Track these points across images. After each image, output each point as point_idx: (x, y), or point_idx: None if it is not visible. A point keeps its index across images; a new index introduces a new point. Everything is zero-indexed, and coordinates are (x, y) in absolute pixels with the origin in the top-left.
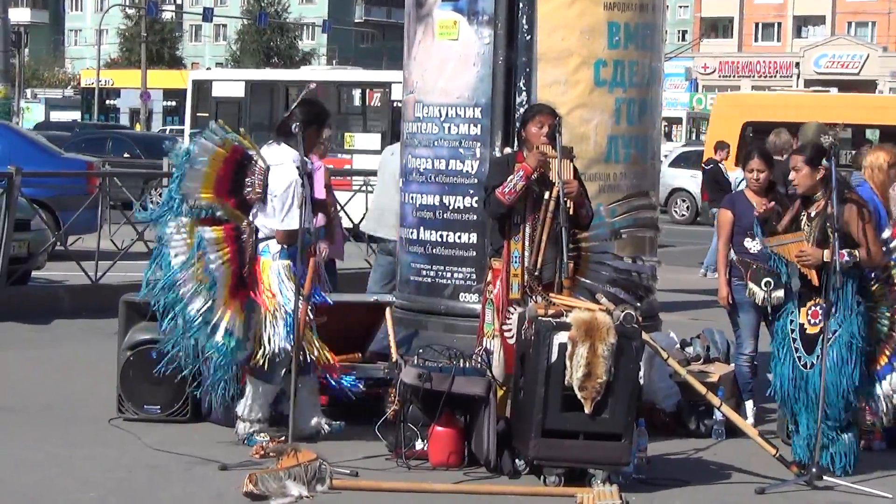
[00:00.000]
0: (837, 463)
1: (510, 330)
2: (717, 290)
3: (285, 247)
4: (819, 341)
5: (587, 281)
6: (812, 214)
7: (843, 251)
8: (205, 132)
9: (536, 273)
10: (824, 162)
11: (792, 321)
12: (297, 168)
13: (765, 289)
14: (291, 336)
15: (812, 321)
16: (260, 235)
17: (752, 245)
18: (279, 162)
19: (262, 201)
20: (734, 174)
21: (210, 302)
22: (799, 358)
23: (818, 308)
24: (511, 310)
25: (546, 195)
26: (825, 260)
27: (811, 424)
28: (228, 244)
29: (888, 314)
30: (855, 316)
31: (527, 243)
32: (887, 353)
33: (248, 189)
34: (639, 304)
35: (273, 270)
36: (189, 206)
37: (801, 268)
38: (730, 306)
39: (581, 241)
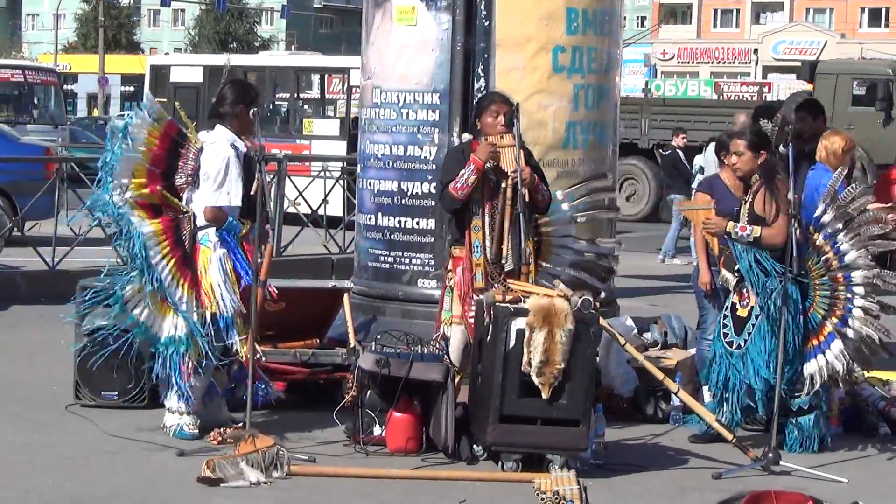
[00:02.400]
0: (794, 444)
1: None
2: (699, 275)
3: (223, 236)
4: (748, 323)
5: (550, 266)
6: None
7: (745, 225)
8: (142, 105)
9: (502, 262)
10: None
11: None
12: (233, 147)
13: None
14: (227, 334)
15: (742, 303)
16: (199, 223)
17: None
18: (212, 141)
19: (194, 185)
20: (699, 159)
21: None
22: (726, 335)
23: (744, 290)
24: (473, 298)
25: (503, 184)
26: (728, 230)
27: (734, 405)
28: (167, 235)
29: (827, 294)
30: (773, 295)
31: (487, 232)
32: (820, 337)
33: (181, 174)
34: (602, 285)
35: (214, 266)
36: (117, 196)
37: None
38: (712, 291)
39: (541, 227)
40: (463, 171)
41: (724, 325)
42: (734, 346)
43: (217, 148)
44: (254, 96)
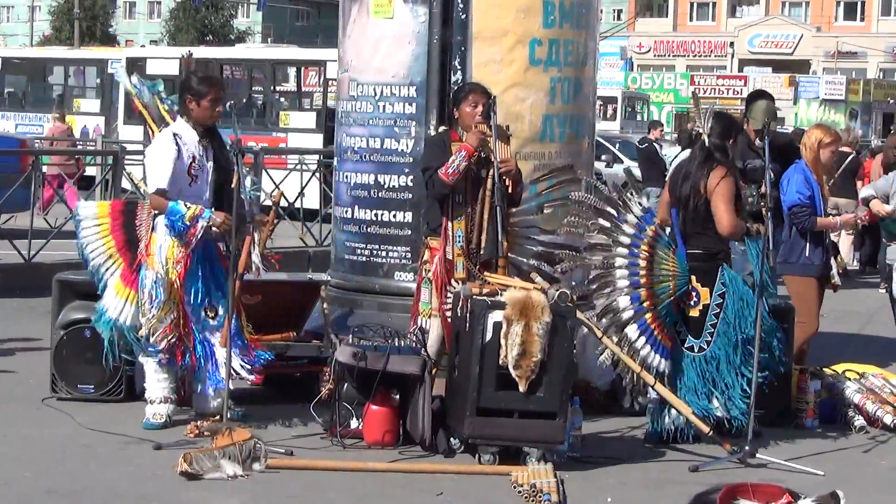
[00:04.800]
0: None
1: (451, 310)
2: None
3: (167, 222)
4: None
5: (514, 256)
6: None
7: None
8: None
9: (481, 252)
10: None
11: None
12: (174, 135)
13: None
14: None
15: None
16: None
17: None
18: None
19: None
20: (671, 151)
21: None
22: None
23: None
24: (451, 289)
25: (484, 174)
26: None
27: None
28: (112, 218)
29: None
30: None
31: (466, 222)
32: None
33: None
34: (562, 277)
35: (155, 245)
36: None
37: None
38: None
39: (509, 217)
40: (454, 157)
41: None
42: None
43: (159, 136)
44: (197, 89)
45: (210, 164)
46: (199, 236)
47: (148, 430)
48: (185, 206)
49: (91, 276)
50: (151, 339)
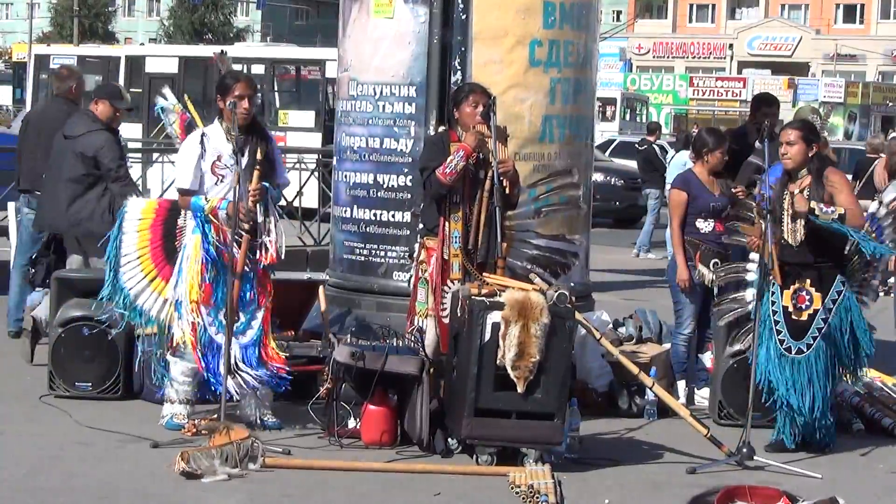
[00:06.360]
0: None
1: (446, 310)
2: (676, 272)
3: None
4: (809, 328)
5: (508, 259)
6: (796, 191)
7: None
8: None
9: (474, 253)
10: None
11: (774, 302)
12: (201, 136)
13: (712, 269)
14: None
15: (800, 306)
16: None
17: (705, 226)
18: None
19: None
20: (670, 155)
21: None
22: (782, 341)
23: (804, 293)
24: (446, 289)
25: (483, 175)
26: (812, 208)
27: (803, 409)
28: (156, 214)
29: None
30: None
31: (463, 223)
32: None
33: None
34: (555, 280)
35: (180, 254)
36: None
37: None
38: (689, 287)
39: (506, 220)
40: (452, 157)
41: (777, 330)
42: (793, 352)
43: (188, 138)
44: (223, 85)
45: (245, 162)
46: (226, 225)
47: (171, 430)
48: (205, 199)
49: (108, 261)
50: (182, 347)
